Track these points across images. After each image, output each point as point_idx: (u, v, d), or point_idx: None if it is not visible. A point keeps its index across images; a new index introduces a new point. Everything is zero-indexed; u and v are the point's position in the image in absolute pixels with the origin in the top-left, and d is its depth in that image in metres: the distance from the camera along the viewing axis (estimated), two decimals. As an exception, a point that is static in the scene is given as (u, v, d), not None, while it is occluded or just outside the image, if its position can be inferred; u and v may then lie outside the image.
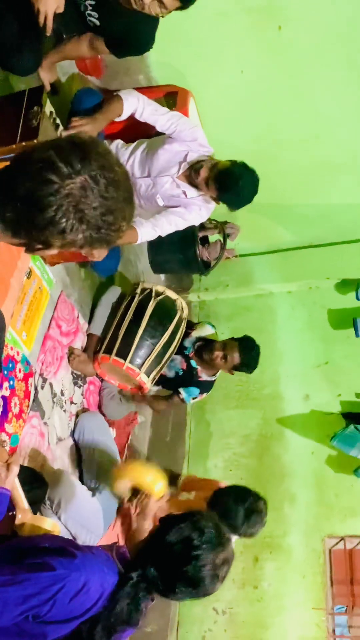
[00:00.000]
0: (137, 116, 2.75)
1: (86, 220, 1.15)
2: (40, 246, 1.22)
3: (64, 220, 1.13)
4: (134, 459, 3.12)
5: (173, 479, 3.35)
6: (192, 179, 2.90)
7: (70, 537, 2.56)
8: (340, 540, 3.91)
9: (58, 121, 2.38)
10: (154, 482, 2.58)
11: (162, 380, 3.52)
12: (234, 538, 2.69)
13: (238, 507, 2.64)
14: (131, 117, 2.77)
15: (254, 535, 2.72)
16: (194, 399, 3.52)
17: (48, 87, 2.68)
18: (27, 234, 1.20)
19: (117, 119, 2.72)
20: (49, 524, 1.79)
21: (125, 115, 2.71)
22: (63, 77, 3.06)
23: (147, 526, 2.58)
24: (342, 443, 3.95)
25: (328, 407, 4.27)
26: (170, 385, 3.55)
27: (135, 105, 2.71)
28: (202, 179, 2.84)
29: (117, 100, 2.67)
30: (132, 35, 2.59)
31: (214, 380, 3.56)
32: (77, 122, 2.53)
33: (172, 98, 3.37)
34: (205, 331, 3.64)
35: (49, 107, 2.31)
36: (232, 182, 2.79)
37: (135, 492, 2.67)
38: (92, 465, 2.96)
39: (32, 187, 1.13)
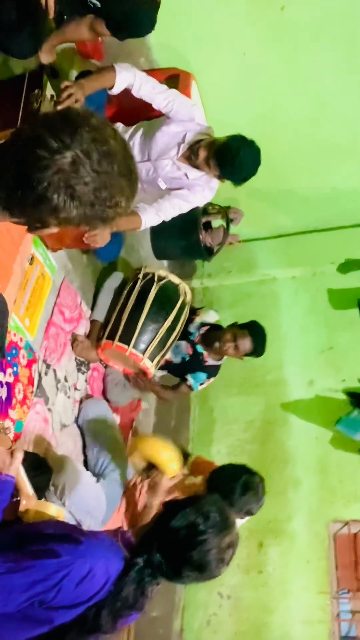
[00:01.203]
0: (133, 92, 2.68)
1: (78, 196, 1.10)
2: (38, 225, 1.20)
3: (55, 197, 1.10)
4: (154, 434, 3.11)
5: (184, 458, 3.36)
6: (193, 161, 2.86)
7: (75, 523, 2.57)
8: (345, 524, 3.92)
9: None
10: (170, 461, 2.59)
11: (168, 367, 3.51)
12: (241, 521, 2.70)
13: (234, 485, 2.58)
14: (131, 100, 2.73)
15: (253, 513, 2.68)
16: (201, 384, 3.50)
17: (48, 70, 2.65)
18: (21, 212, 1.18)
19: (110, 92, 2.64)
20: (54, 509, 1.78)
21: (117, 89, 2.62)
22: (63, 60, 3.02)
23: (156, 503, 2.59)
24: (346, 427, 3.95)
25: (332, 392, 4.27)
26: (177, 371, 3.54)
27: (130, 80, 2.62)
28: (202, 159, 2.79)
29: (110, 70, 2.58)
30: (133, 17, 2.56)
31: (220, 364, 3.55)
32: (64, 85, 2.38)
33: (173, 81, 3.32)
34: (210, 317, 3.62)
35: (49, 90, 2.29)
36: (231, 156, 2.71)
37: (148, 467, 2.68)
38: (96, 451, 2.96)
39: (22, 164, 1.10)
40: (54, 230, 1.21)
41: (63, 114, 1.15)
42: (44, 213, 1.14)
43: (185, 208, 2.95)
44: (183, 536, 1.60)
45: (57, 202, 1.10)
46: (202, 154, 2.79)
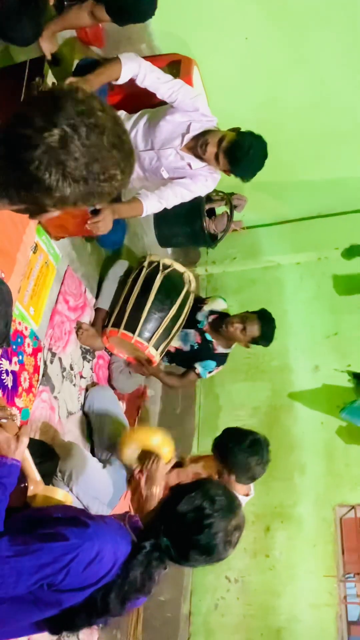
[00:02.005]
0: (138, 82, 2.68)
1: (69, 172, 1.09)
2: (36, 209, 1.19)
3: (47, 176, 1.08)
4: (141, 425, 3.10)
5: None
6: (199, 154, 2.85)
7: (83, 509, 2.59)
8: (351, 509, 3.94)
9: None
10: (162, 445, 2.60)
11: (177, 355, 3.52)
12: (245, 499, 2.72)
13: (240, 449, 2.60)
14: (134, 87, 2.72)
15: (256, 477, 2.68)
16: (209, 372, 3.51)
17: (49, 57, 2.64)
18: (18, 196, 1.17)
19: (115, 83, 2.65)
20: (61, 494, 1.80)
21: (122, 80, 2.63)
22: (64, 47, 3.01)
23: (156, 491, 2.60)
24: (351, 415, 3.96)
25: (338, 377, 4.27)
26: (186, 359, 3.55)
27: (135, 70, 2.63)
28: (211, 154, 2.78)
29: (115, 63, 2.58)
30: (133, 2, 2.54)
31: (229, 352, 3.56)
32: (69, 81, 2.44)
33: (175, 67, 3.30)
34: (219, 305, 3.63)
35: (50, 78, 2.29)
36: (243, 154, 2.71)
37: (142, 459, 2.69)
38: (102, 438, 2.98)
39: (11, 145, 1.09)
40: (54, 213, 1.20)
41: (47, 92, 1.13)
42: (39, 194, 1.13)
43: (187, 197, 2.95)
44: (190, 520, 1.61)
45: (49, 181, 1.09)
46: (211, 149, 2.77)
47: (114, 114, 1.15)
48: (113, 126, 1.13)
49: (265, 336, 3.35)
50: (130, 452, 2.71)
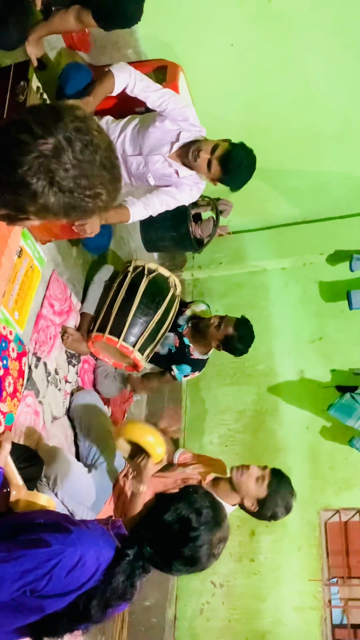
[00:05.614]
0: (127, 91, 2.71)
1: (57, 182, 1.12)
2: (18, 214, 1.20)
3: (34, 181, 1.11)
4: (138, 419, 3.09)
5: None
6: (189, 162, 2.86)
7: (67, 514, 2.58)
8: (336, 512, 3.96)
9: (45, 96, 2.35)
10: (156, 445, 2.63)
11: (155, 357, 3.52)
12: (231, 508, 2.75)
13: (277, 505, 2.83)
14: (121, 93, 2.74)
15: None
16: (185, 376, 3.52)
17: (35, 62, 2.64)
18: (2, 199, 1.18)
19: (109, 95, 2.69)
20: (44, 499, 1.80)
21: (116, 92, 2.68)
22: (50, 52, 3.01)
23: (143, 489, 2.61)
24: (339, 412, 3.94)
25: (322, 381, 4.29)
26: (163, 362, 3.56)
27: (126, 81, 2.67)
28: (203, 161, 2.80)
29: (108, 77, 2.64)
30: (120, 7, 2.55)
31: (206, 359, 3.56)
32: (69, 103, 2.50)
33: (161, 72, 3.31)
34: (199, 308, 3.64)
35: (35, 82, 2.28)
36: (236, 165, 2.76)
37: (135, 454, 2.71)
38: (87, 443, 2.97)
39: (5, 148, 1.12)
40: (34, 222, 1.22)
41: (50, 105, 1.16)
42: (23, 199, 1.15)
43: (172, 205, 2.98)
44: (175, 531, 1.61)
45: (36, 186, 1.12)
46: (204, 156, 2.79)
47: (109, 139, 1.20)
48: (106, 149, 1.17)
49: (239, 336, 3.31)
50: (124, 443, 2.74)
